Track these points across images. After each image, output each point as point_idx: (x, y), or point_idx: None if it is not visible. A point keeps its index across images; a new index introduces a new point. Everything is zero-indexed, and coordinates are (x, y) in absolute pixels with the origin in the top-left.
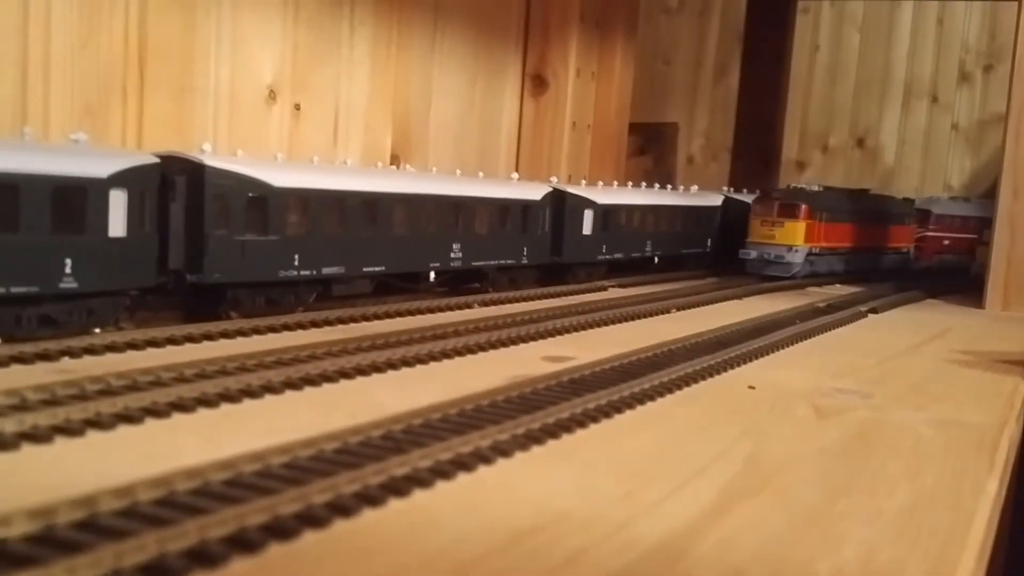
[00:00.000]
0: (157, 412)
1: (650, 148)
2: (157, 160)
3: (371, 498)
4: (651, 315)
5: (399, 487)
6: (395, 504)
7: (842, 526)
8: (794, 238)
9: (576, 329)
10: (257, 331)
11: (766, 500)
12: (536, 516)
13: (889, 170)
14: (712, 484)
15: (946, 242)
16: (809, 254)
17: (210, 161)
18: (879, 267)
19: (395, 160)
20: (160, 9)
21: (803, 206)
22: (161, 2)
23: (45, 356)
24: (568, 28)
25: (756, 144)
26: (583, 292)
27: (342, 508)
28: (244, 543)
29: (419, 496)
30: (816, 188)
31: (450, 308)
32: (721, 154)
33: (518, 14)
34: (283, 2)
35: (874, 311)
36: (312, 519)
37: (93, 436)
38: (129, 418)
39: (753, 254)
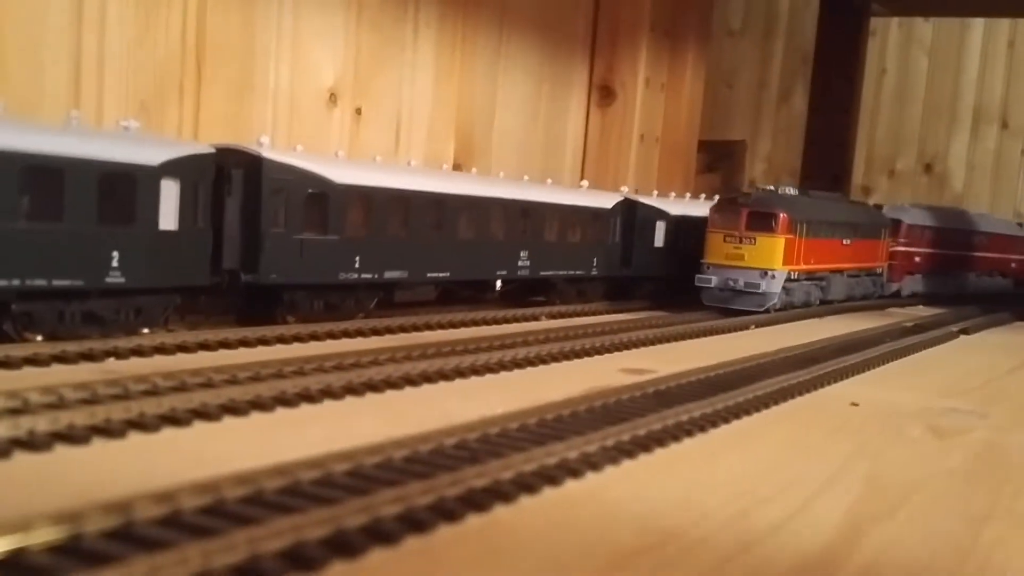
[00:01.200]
0: (207, 414)
1: (718, 166)
2: (212, 150)
3: (446, 512)
4: (729, 331)
5: (478, 501)
6: (473, 520)
7: (996, 558)
8: (770, 259)
9: (653, 342)
10: (315, 337)
11: (902, 525)
12: (638, 536)
13: (957, 196)
14: (836, 505)
15: (917, 259)
16: (788, 280)
17: (268, 154)
18: (854, 294)
19: (457, 169)
20: (219, 5)
21: (782, 215)
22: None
23: (89, 356)
24: (637, 37)
25: (825, 165)
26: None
27: (414, 522)
28: (301, 559)
29: (500, 511)
30: (791, 191)
31: (516, 320)
32: (784, 178)
33: (585, 22)
34: (346, 2)
35: (966, 332)
36: (379, 534)
37: (135, 438)
38: (175, 420)
39: (714, 281)
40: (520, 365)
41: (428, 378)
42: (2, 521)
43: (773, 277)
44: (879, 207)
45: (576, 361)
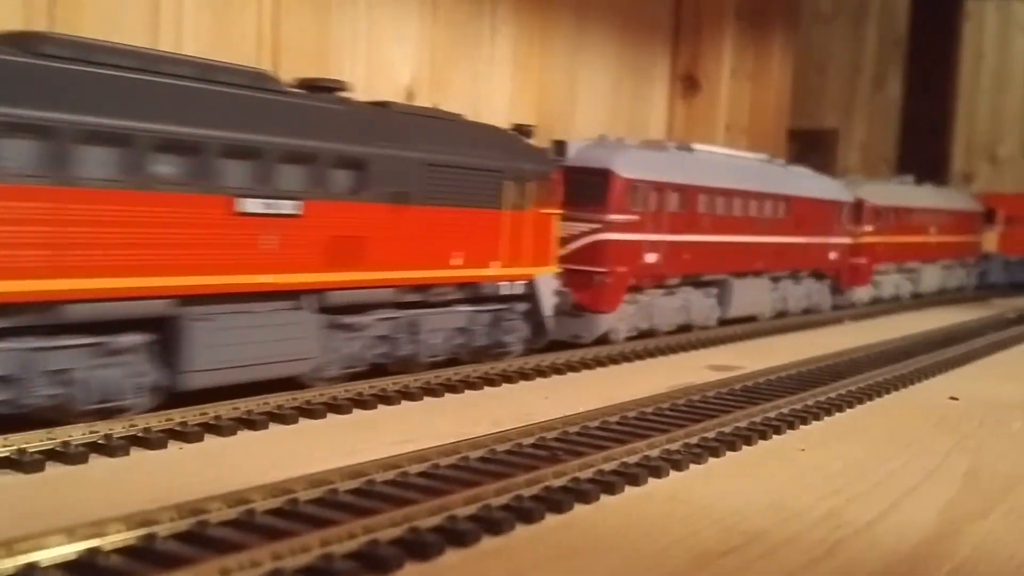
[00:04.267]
0: (282, 417)
1: (809, 156)
2: None
3: (524, 512)
4: (820, 325)
5: (556, 500)
6: (552, 520)
7: None
8: None
9: (740, 338)
10: None
11: (1000, 520)
12: (723, 536)
13: None
14: (931, 503)
15: (652, 258)
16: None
17: None
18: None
19: None
20: (293, 7)
21: None
22: (294, 0)
23: None
24: (722, 25)
25: (923, 152)
26: None
27: (490, 523)
28: (374, 560)
29: (580, 511)
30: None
31: None
32: (880, 166)
33: (667, 12)
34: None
35: None
36: (454, 534)
37: (210, 441)
38: (250, 423)
39: None
40: (603, 363)
41: (507, 377)
42: (77, 524)
43: None
44: (559, 144)
45: (660, 358)
